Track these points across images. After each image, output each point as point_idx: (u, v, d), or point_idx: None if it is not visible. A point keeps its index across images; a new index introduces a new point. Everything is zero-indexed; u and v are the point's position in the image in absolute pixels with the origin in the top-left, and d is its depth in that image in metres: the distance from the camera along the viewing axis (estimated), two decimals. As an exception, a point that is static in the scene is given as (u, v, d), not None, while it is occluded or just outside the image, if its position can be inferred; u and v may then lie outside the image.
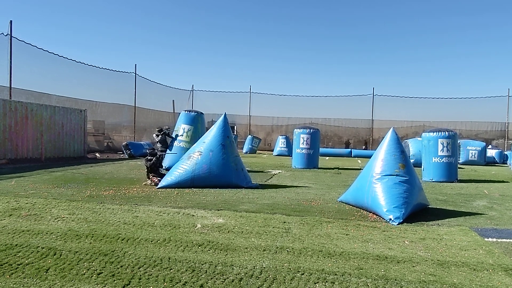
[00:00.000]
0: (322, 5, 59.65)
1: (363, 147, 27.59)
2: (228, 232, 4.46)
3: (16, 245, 3.74)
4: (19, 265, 3.21)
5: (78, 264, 3.28)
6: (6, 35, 14.19)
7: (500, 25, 49.92)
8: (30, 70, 17.11)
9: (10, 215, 5.00)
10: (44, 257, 3.42)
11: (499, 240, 4.54)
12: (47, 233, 4.16)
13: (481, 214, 6.09)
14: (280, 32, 60.33)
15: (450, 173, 10.80)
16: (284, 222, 5.03)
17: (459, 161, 16.83)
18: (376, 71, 54.12)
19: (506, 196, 8.25)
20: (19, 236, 4.04)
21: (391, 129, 6.42)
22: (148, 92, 25.19)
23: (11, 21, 14.27)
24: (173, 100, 27.76)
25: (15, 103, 13.12)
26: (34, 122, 13.70)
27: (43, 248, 3.66)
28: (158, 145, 12.03)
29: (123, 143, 18.08)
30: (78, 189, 7.33)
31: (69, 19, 56.06)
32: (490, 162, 20.37)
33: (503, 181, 11.46)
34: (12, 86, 14.45)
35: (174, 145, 11.32)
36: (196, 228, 4.60)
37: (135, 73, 22.95)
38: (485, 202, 7.27)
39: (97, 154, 17.62)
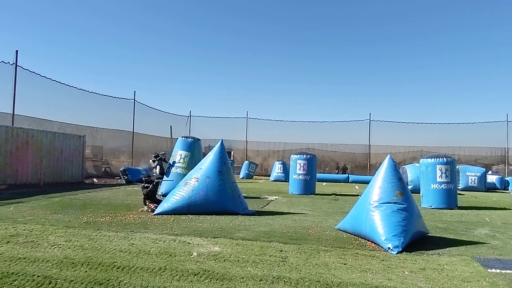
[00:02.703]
0: (318, 27, 61.30)
1: (340, 171, 27.37)
2: (224, 260, 4.41)
3: (13, 273, 3.70)
4: (12, 294, 3.17)
5: (72, 294, 3.23)
6: (12, 64, 14.59)
7: (499, 46, 50.12)
8: (33, 97, 17.43)
9: (8, 242, 4.96)
10: (40, 286, 3.38)
11: (503, 271, 4.36)
12: (43, 261, 4.12)
13: (483, 243, 5.92)
14: (277, 55, 61.71)
15: (450, 199, 10.69)
16: (281, 251, 4.97)
17: (459, 187, 16.71)
18: (373, 93, 54.81)
19: (509, 224, 8.06)
20: (16, 264, 4.00)
21: (387, 156, 6.45)
22: (146, 117, 25.54)
23: (16, 51, 14.77)
24: (171, 126, 28.05)
25: (16, 129, 13.29)
26: (34, 148, 13.79)
27: (39, 276, 3.62)
28: (155, 170, 12.04)
29: (121, 169, 18.09)
30: (75, 215, 7.29)
31: (72, 42, 57.50)
32: (491, 188, 20.09)
33: (505, 208, 11.21)
34: (15, 113, 14.67)
35: (171, 171, 11.34)
36: (192, 256, 4.55)
37: (134, 100, 23.33)
38: (487, 230, 7.12)
39: (95, 180, 17.56)
